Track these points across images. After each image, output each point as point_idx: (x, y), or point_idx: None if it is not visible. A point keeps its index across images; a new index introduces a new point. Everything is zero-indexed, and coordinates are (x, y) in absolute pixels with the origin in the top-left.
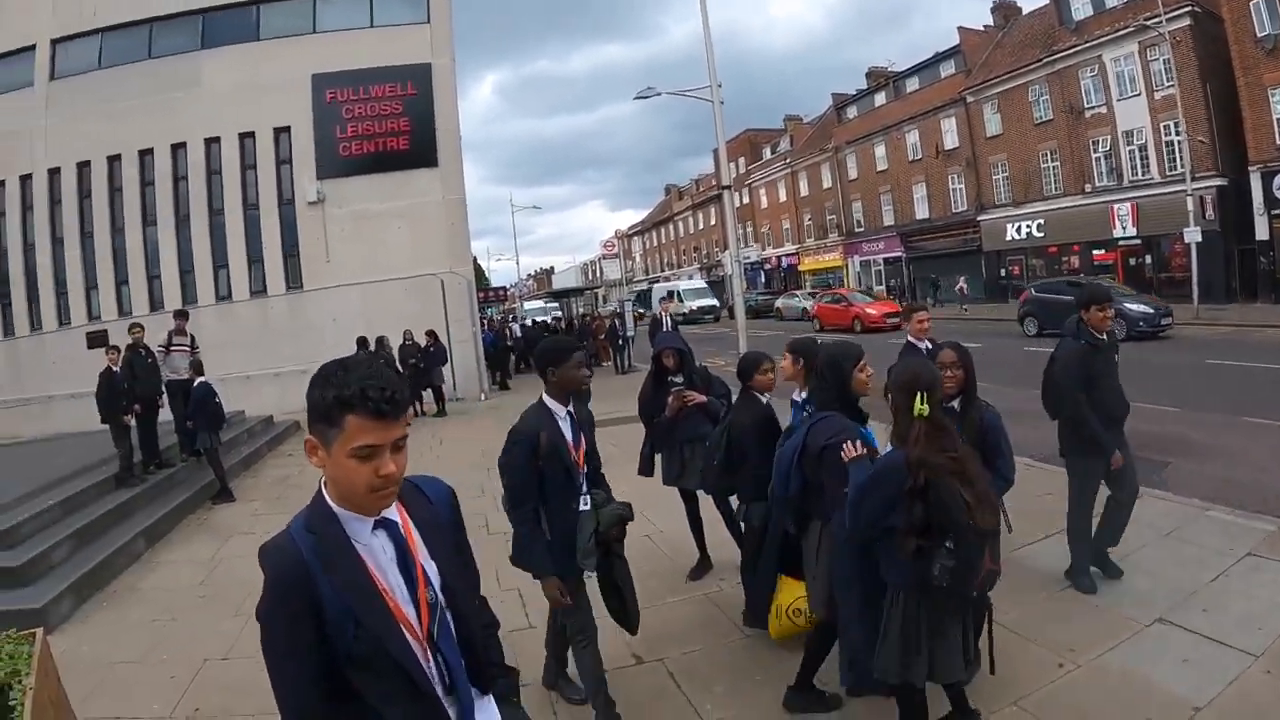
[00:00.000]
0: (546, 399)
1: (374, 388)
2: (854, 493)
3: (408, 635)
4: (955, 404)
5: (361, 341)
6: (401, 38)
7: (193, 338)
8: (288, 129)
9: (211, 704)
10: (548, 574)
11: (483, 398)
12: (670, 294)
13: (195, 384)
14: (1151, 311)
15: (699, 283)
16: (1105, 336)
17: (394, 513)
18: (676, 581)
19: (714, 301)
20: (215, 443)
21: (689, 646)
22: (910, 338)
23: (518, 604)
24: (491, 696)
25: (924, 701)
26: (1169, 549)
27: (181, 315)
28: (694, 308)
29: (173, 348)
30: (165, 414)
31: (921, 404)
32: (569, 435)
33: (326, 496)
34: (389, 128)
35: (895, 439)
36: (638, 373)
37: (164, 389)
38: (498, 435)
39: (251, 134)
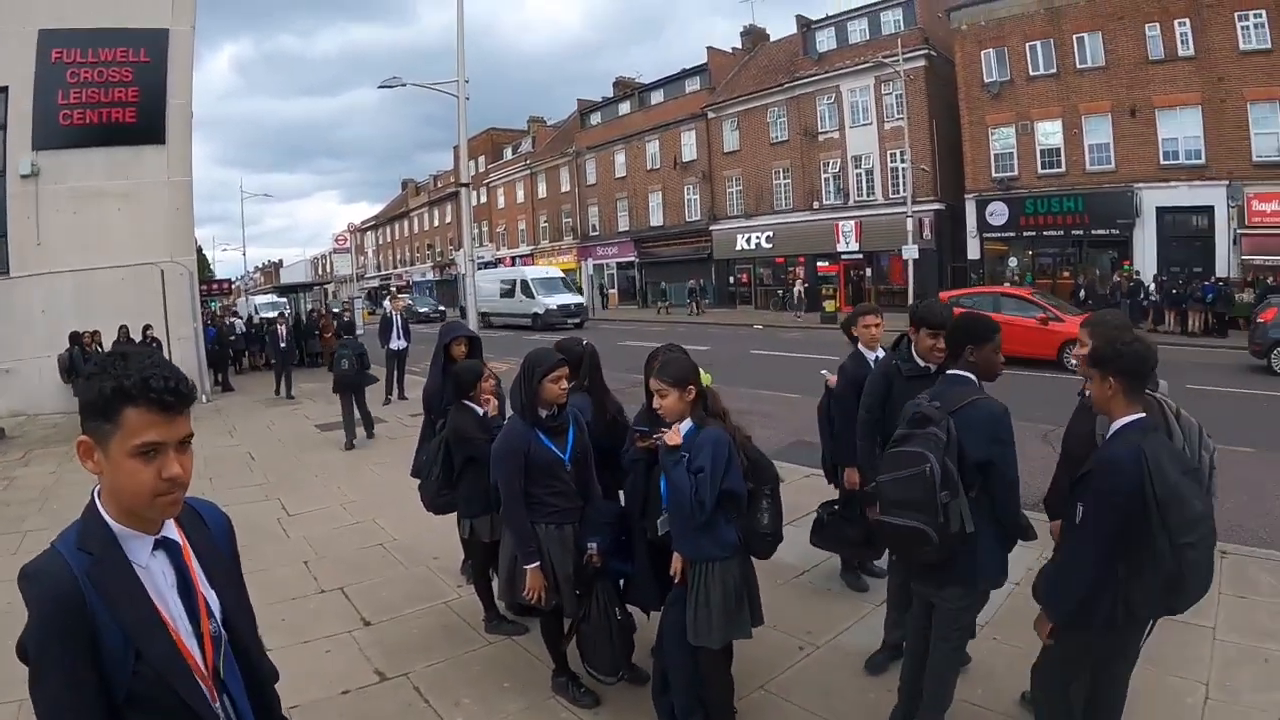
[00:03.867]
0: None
1: (157, 377)
2: (713, 469)
3: (193, 672)
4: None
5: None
6: None
7: None
8: (5, 90)
9: None
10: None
11: (204, 400)
12: (516, 285)
13: None
14: None
15: (553, 271)
16: (930, 367)
17: (174, 533)
18: (414, 590)
19: (579, 299)
20: None
21: (433, 658)
22: (862, 346)
23: None
24: None
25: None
26: None
27: None
28: (551, 307)
29: None
30: None
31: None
32: None
33: (102, 510)
34: (117, 97)
35: (702, 417)
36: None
37: None
38: (222, 441)
39: None
